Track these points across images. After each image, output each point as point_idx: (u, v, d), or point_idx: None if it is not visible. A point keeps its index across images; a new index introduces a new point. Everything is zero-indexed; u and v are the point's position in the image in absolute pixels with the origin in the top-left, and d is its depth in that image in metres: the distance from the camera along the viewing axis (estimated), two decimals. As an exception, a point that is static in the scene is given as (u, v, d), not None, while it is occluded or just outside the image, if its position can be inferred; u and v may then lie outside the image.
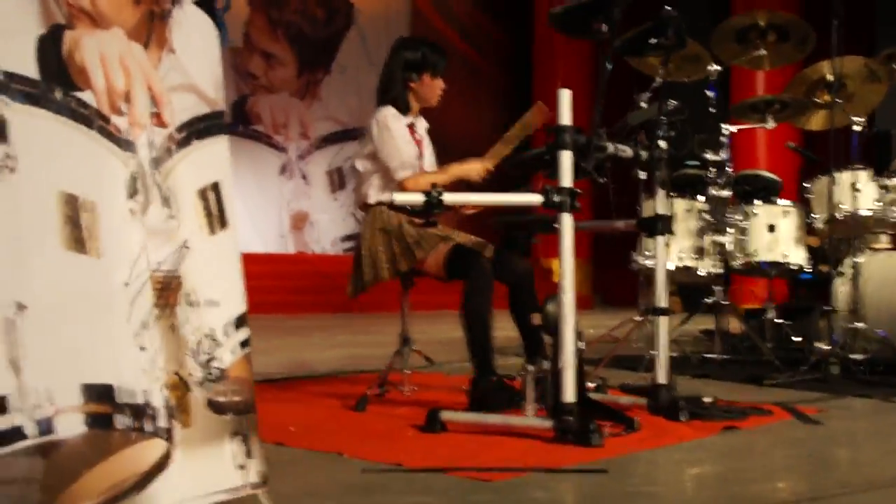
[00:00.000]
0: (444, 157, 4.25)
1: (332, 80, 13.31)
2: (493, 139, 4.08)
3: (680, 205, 5.30)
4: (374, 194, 4.02)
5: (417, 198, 3.24)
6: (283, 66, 13.07)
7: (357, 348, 6.55)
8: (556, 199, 3.16)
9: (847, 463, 3.05)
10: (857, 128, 4.99)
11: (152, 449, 1.93)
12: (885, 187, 5.06)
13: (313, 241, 13.02)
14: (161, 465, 1.94)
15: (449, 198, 3.24)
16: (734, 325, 5.96)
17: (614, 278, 12.29)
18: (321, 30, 13.26)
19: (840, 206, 4.92)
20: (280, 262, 11.91)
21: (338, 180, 13.26)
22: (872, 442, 3.36)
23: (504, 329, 3.89)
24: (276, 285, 10.61)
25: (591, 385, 3.79)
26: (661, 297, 3.66)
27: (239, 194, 10.92)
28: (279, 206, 12.89)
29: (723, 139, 5.40)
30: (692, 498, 2.53)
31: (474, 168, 3.97)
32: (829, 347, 4.60)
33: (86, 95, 1.92)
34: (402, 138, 4.02)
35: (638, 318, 5.54)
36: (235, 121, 12.25)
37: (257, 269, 9.72)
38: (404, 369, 4.13)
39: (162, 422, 1.96)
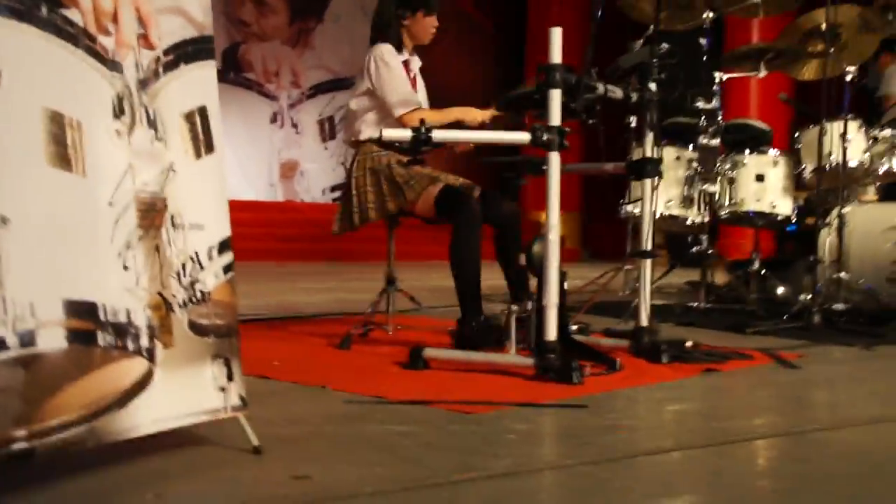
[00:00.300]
0: (436, 107, 4.22)
1: (325, 29, 13.21)
2: (485, 91, 4.07)
3: (669, 153, 5.29)
4: (367, 131, 4.01)
5: (405, 133, 3.24)
6: (275, 14, 12.96)
7: (344, 293, 6.57)
8: (545, 137, 3.17)
9: (825, 404, 3.09)
10: (849, 77, 4.98)
11: (134, 367, 1.95)
12: (874, 138, 5.07)
13: (303, 191, 13.00)
14: (142, 383, 1.96)
15: (437, 134, 3.24)
16: (720, 276, 6.00)
17: (604, 232, 12.30)
18: (314, -23, 13.15)
19: (829, 156, 4.94)
20: (269, 210, 11.89)
21: (329, 129, 13.21)
22: (850, 385, 3.40)
23: (490, 278, 3.90)
24: (264, 233, 10.61)
25: (574, 328, 3.82)
26: (647, 240, 3.68)
27: (228, 143, 10.88)
28: (269, 154, 12.85)
29: (715, 88, 5.39)
30: (672, 432, 2.56)
31: (475, 115, 3.94)
32: (812, 297, 4.62)
33: (72, 13, 1.91)
34: (401, 74, 4.01)
35: (624, 266, 5.56)
36: (226, 68, 12.17)
37: (246, 216, 9.71)
38: (389, 309, 4.15)
39: (144, 341, 1.97)
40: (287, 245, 10.78)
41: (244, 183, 12.04)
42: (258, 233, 10.34)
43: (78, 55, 1.92)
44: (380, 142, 3.59)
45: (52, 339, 1.78)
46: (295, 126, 13.00)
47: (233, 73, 12.33)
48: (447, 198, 3.83)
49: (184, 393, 2.04)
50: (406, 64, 4.10)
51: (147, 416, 1.94)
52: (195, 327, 2.10)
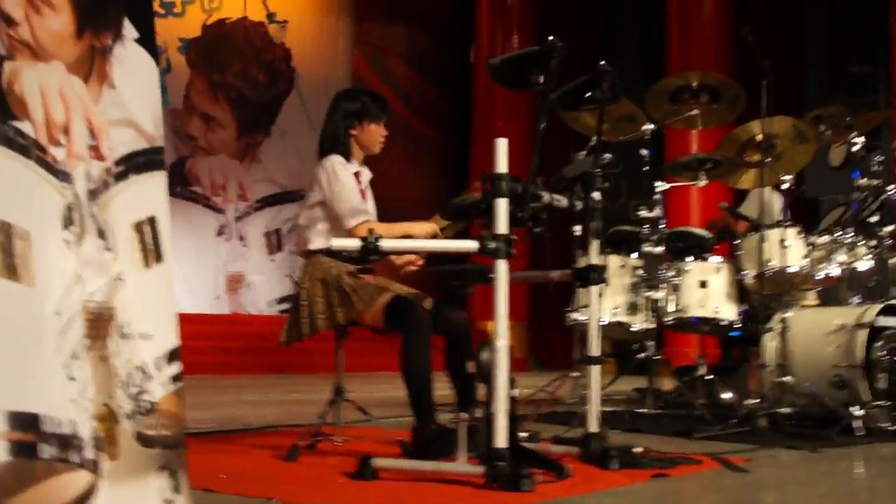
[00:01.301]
0: (383, 220, 4.27)
1: (272, 143, 13.33)
2: (431, 202, 4.13)
3: (614, 261, 5.39)
4: (317, 241, 4.03)
5: (354, 243, 3.26)
6: (223, 129, 13.07)
7: (292, 406, 6.49)
8: (492, 245, 3.21)
9: (774, 507, 3.10)
10: (784, 186, 5.13)
11: (77, 480, 1.91)
12: (812, 244, 5.20)
13: (249, 303, 12.92)
14: (86, 497, 1.92)
15: (386, 244, 3.27)
16: (666, 382, 6.04)
17: (551, 341, 12.36)
18: (262, 93, 13.31)
19: (769, 262, 5.04)
20: (215, 323, 11.79)
21: (276, 242, 13.22)
22: (799, 488, 3.42)
23: (437, 388, 3.89)
24: (210, 346, 10.50)
25: (523, 435, 3.81)
26: (594, 346, 3.71)
27: (175, 255, 10.75)
28: (215, 267, 12.80)
29: (656, 196, 5.52)
30: (622, 538, 2.55)
31: (425, 229, 3.99)
32: (757, 401, 4.66)
33: (24, 126, 1.93)
34: (352, 186, 4.05)
35: (571, 373, 5.58)
36: (173, 182, 12.19)
37: (191, 329, 9.60)
38: (338, 420, 4.12)
39: (89, 453, 1.94)
40: (233, 357, 10.67)
41: (189, 296, 11.95)
42: (203, 346, 10.23)
43: (29, 166, 1.93)
44: (330, 252, 3.61)
45: (-5, 452, 1.75)
46: (241, 239, 12.99)
47: (179, 186, 12.35)
48: (396, 308, 3.85)
49: (129, 506, 2.01)
50: (357, 175, 4.15)
51: (91, 531, 1.90)
52: (142, 438, 2.07)
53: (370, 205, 4.23)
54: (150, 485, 2.06)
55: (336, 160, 4.06)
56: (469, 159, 13.23)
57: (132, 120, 2.23)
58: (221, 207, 12.88)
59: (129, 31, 2.24)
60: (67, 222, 2.00)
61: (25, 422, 1.81)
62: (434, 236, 3.99)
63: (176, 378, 2.19)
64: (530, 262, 5.70)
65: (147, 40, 2.31)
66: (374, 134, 4.19)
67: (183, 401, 2.19)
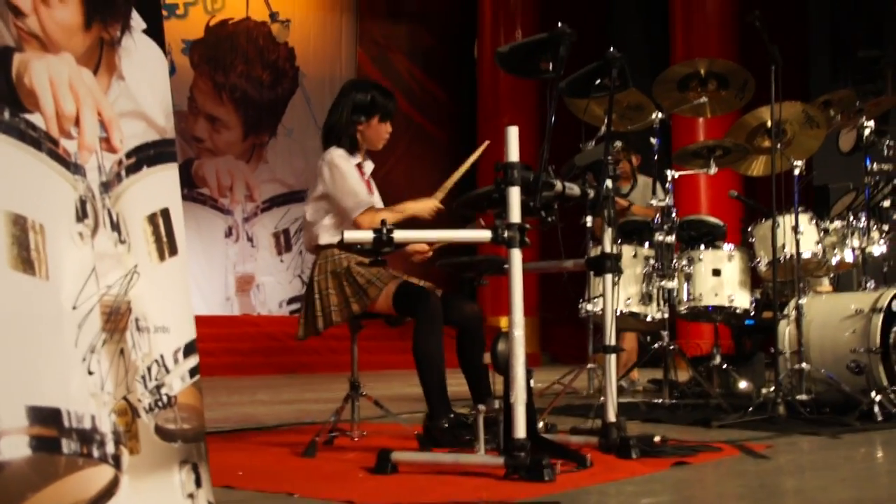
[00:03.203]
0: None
1: (278, 143, 13.33)
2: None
3: (626, 251, 5.36)
4: (325, 235, 4.01)
5: (366, 235, 3.24)
6: (229, 130, 13.07)
7: (305, 405, 6.47)
8: (506, 234, 3.18)
9: (795, 491, 3.06)
10: (796, 171, 5.10)
11: (99, 475, 1.89)
12: (825, 230, 5.18)
13: (259, 304, 12.93)
14: (108, 492, 1.90)
15: (399, 235, 3.24)
16: (682, 373, 6.01)
17: (562, 335, 12.36)
18: (266, 93, 13.31)
19: (782, 248, 5.01)
20: (225, 325, 11.79)
21: (284, 242, 13.21)
22: (820, 473, 3.39)
23: (451, 384, 3.87)
24: (221, 347, 10.50)
25: (541, 426, 3.78)
26: (611, 335, 3.68)
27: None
28: (224, 268, 12.80)
29: (667, 185, 5.50)
30: (646, 525, 2.53)
31: (427, 206, 3.98)
32: (774, 389, 4.63)
33: (35, 118, 1.91)
34: (354, 177, 4.03)
35: (588, 365, 5.56)
36: (181, 184, 12.14)
37: (202, 331, 9.51)
38: (354, 415, 4.09)
39: (110, 448, 1.92)
40: (244, 359, 10.66)
41: (199, 298, 11.94)
42: (215, 347, 10.23)
43: (41, 158, 1.91)
44: (340, 245, 3.59)
45: (16, 448, 1.73)
46: (250, 240, 12.99)
47: (186, 188, 12.34)
48: (406, 294, 3.82)
49: (151, 501, 1.99)
50: (359, 167, 4.13)
51: (114, 526, 1.88)
52: (162, 432, 2.05)
53: (375, 197, 4.21)
54: (172, 479, 2.05)
55: (337, 153, 4.04)
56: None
57: (142, 112, 2.21)
58: (229, 209, 12.88)
59: (138, 22, 2.23)
60: (81, 215, 1.98)
61: (47, 416, 1.79)
62: (438, 210, 3.98)
63: (194, 371, 2.17)
64: (541, 255, 5.67)
65: (155, 31, 2.29)
66: (381, 131, 4.17)
67: (201, 393, 2.17)
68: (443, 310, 3.80)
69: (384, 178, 4.39)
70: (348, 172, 4.01)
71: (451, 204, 3.92)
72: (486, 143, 4.03)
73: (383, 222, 3.25)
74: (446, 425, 3.69)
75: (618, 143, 3.78)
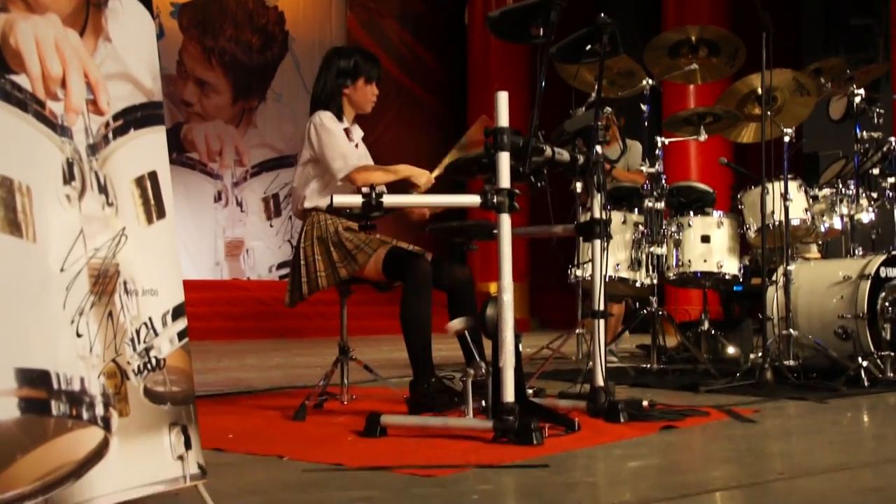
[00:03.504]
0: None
1: (267, 108, 13.26)
2: (428, 165, 4.09)
3: (616, 217, 5.36)
4: (313, 199, 4.00)
5: (356, 200, 3.23)
6: (218, 94, 12.99)
7: (295, 369, 6.49)
8: (495, 199, 3.18)
9: (782, 455, 3.10)
10: (786, 139, 5.10)
11: (89, 437, 1.90)
12: (814, 197, 5.19)
13: (248, 269, 12.91)
14: (98, 453, 1.90)
15: (388, 199, 3.24)
16: (670, 338, 6.04)
17: (552, 301, 12.38)
18: (256, 57, 13.22)
19: (772, 215, 5.02)
20: (215, 289, 11.78)
21: (274, 207, 13.18)
22: (806, 437, 3.42)
23: (443, 349, 3.88)
24: (211, 311, 10.51)
25: (529, 391, 3.80)
26: (600, 300, 3.69)
27: (173, 221, 10.77)
28: (214, 233, 12.77)
29: (657, 152, 5.50)
30: (632, 487, 2.54)
31: (422, 173, 3.96)
32: (762, 354, 4.66)
33: (20, 79, 1.90)
34: (343, 138, 4.01)
35: (577, 329, 5.58)
36: (169, 149, 11.98)
37: (192, 296, 9.52)
38: (344, 379, 4.11)
39: (99, 410, 1.93)
40: (234, 323, 10.67)
41: (189, 263, 11.92)
42: (204, 312, 10.24)
43: (27, 120, 1.90)
44: (329, 209, 3.58)
45: (4, 409, 1.73)
46: (240, 204, 12.96)
47: (176, 153, 12.28)
48: (395, 259, 3.82)
49: (141, 462, 1.99)
50: (347, 132, 4.11)
51: (104, 487, 1.88)
52: (151, 395, 2.05)
53: (364, 161, 4.19)
54: (161, 441, 2.05)
55: (325, 115, 4.02)
56: (466, 121, 13.16)
57: (129, 74, 2.20)
58: (218, 173, 12.83)
59: (125, -17, 2.20)
60: (68, 177, 1.97)
61: (35, 378, 1.79)
62: (429, 184, 3.97)
63: (182, 334, 2.17)
64: (530, 219, 5.68)
65: (143, -7, 2.27)
66: (367, 93, 4.16)
67: (190, 356, 2.17)
68: (433, 274, 3.80)
69: (374, 143, 4.37)
70: (335, 132, 3.99)
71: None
72: (482, 117, 4.01)
73: (372, 186, 3.25)
74: (429, 389, 3.70)
75: (608, 109, 3.76)
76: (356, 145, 4.15)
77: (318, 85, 4.14)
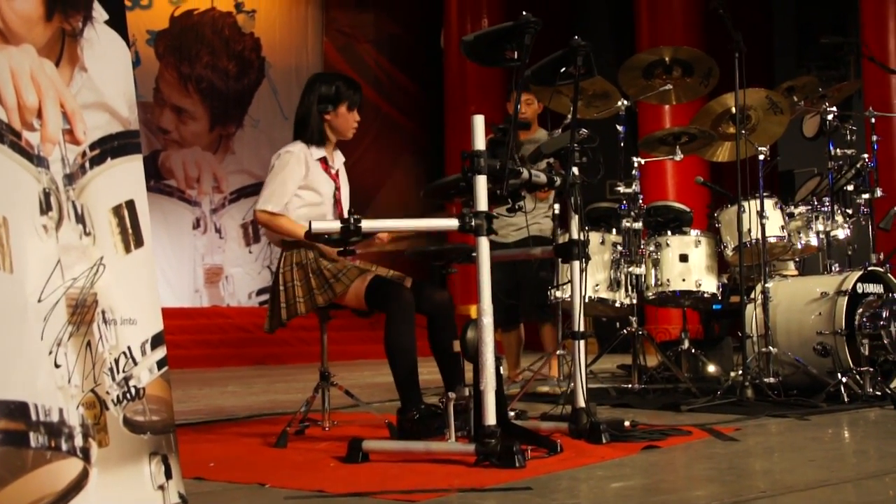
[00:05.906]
0: (358, 207, 4.24)
1: (245, 134, 13.25)
2: (407, 187, 4.11)
3: (594, 237, 5.38)
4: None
5: (334, 226, 3.24)
6: (195, 121, 12.97)
7: (276, 395, 6.46)
8: (473, 222, 3.19)
9: (764, 472, 3.10)
10: (762, 157, 5.14)
11: (68, 468, 1.89)
12: (790, 214, 5.23)
13: (228, 295, 12.86)
14: (78, 484, 1.90)
15: (367, 224, 3.25)
16: (651, 358, 6.05)
17: (533, 323, 12.37)
18: (233, 84, 13.22)
19: (748, 233, 5.05)
20: (194, 317, 11.72)
21: (252, 233, 13.14)
22: (788, 454, 3.42)
23: (424, 372, 3.87)
24: (190, 339, 10.45)
25: (511, 413, 3.80)
26: (579, 321, 3.70)
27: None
28: (193, 260, 12.72)
29: (634, 172, 5.53)
30: (616, 508, 2.55)
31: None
32: (742, 372, 4.68)
33: (-4, 111, 1.90)
34: (285, 176, 4.02)
35: (558, 352, 5.59)
36: (147, 176, 11.99)
37: (171, 323, 9.55)
38: (325, 405, 4.09)
39: (78, 440, 1.92)
40: (214, 350, 10.61)
41: (168, 290, 11.88)
42: (184, 340, 10.19)
43: (3, 151, 1.90)
44: (306, 235, 3.58)
45: (-18, 442, 1.72)
46: (218, 231, 12.92)
47: (153, 180, 12.25)
48: (378, 288, 3.82)
49: (122, 493, 1.98)
50: (324, 161, 4.11)
51: (83, 518, 1.87)
52: (131, 424, 2.05)
53: (344, 187, 4.21)
54: (141, 471, 2.04)
55: (294, 149, 4.05)
56: (443, 144, 13.20)
57: (105, 103, 2.20)
58: (197, 200, 12.80)
59: (100, 13, 2.21)
60: (45, 208, 1.97)
61: (14, 410, 1.79)
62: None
63: (161, 363, 2.17)
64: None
65: (118, 22, 2.28)
66: (349, 120, 4.17)
67: (170, 385, 2.16)
68: (414, 300, 3.80)
69: (353, 167, 4.37)
70: (289, 174, 4.01)
71: (419, 193, 3.92)
72: None
73: (350, 211, 3.25)
74: (417, 416, 3.69)
75: (584, 131, 3.78)
76: (336, 172, 4.16)
77: (300, 111, 4.15)
